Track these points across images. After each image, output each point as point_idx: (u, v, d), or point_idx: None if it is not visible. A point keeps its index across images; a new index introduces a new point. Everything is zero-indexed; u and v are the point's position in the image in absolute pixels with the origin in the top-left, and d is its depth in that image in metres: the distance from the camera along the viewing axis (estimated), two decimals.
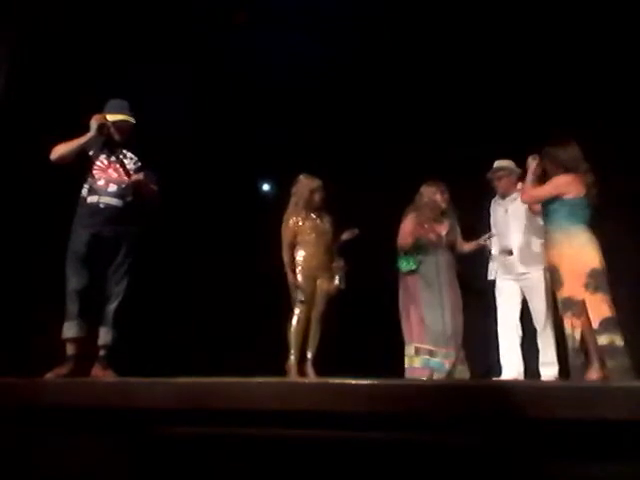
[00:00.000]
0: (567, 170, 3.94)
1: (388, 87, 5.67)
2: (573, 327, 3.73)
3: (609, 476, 2.01)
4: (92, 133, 3.89)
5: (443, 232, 4.69)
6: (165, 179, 4.23)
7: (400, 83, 5.62)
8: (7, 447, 2.56)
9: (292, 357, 4.52)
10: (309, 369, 4.56)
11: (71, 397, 2.66)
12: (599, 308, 3.70)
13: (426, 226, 4.65)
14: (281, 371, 4.48)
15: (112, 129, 3.97)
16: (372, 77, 5.67)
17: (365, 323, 5.43)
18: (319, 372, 4.54)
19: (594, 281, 3.73)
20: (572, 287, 3.76)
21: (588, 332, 3.69)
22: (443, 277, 4.57)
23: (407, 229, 4.68)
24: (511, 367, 4.41)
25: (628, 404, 2.02)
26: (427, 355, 4.45)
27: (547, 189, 3.96)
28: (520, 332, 4.48)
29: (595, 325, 3.68)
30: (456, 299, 4.60)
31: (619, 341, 3.66)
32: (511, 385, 3.02)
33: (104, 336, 3.89)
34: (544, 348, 4.35)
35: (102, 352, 3.89)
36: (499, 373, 4.48)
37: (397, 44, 5.46)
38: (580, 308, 3.72)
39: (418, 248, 4.62)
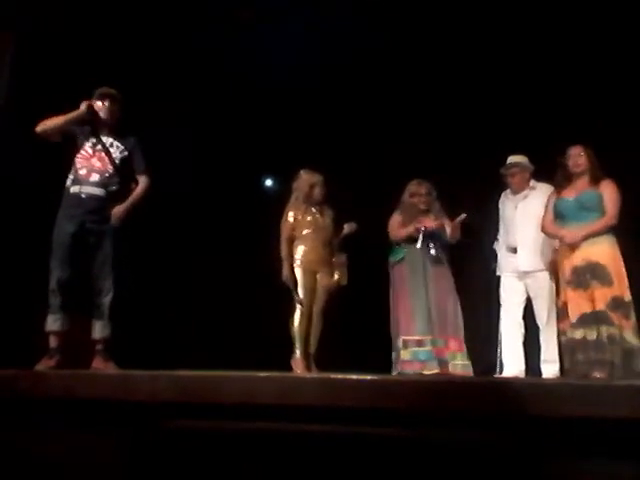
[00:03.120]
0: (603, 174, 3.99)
1: (389, 83, 5.67)
2: (621, 327, 3.72)
3: (611, 474, 2.00)
4: (79, 111, 3.88)
5: (428, 225, 4.67)
6: (167, 176, 4.22)
7: (400, 80, 5.62)
8: (7, 440, 2.57)
9: (298, 352, 4.50)
10: (310, 364, 4.54)
11: (72, 390, 2.66)
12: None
13: (410, 222, 4.68)
14: (285, 366, 4.46)
15: (97, 106, 3.94)
16: (374, 75, 5.67)
17: (366, 318, 5.42)
18: (320, 367, 4.52)
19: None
20: (621, 287, 3.79)
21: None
22: (429, 266, 4.57)
23: (395, 223, 4.75)
24: (513, 364, 4.41)
25: (630, 402, 2.01)
26: (415, 346, 4.43)
27: (619, 203, 3.95)
28: (523, 330, 4.48)
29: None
30: (446, 288, 4.58)
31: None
32: (512, 382, 3.01)
33: (102, 329, 3.88)
34: (546, 346, 4.35)
35: (101, 345, 3.89)
36: (501, 370, 4.48)
37: (397, 42, 5.46)
38: (628, 309, 3.75)
39: (406, 239, 4.65)
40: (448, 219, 4.72)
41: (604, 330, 3.71)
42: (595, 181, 4.00)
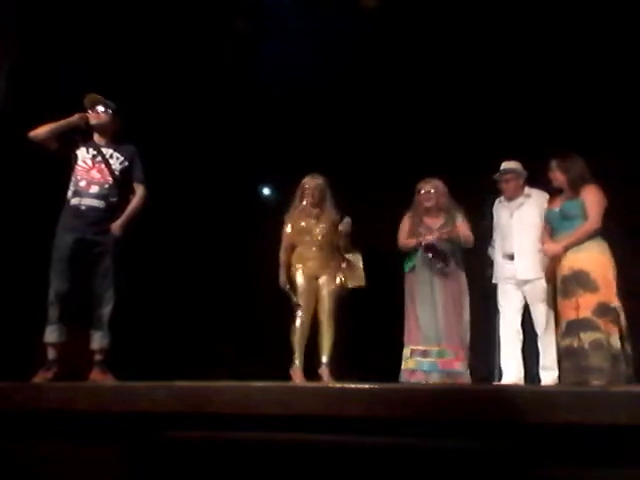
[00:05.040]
0: (590, 180, 3.97)
1: (391, 87, 5.68)
2: (609, 333, 3.70)
3: None
4: (71, 118, 3.90)
5: (435, 227, 4.62)
6: (164, 181, 4.21)
7: (402, 84, 5.64)
8: (5, 452, 2.56)
9: (297, 362, 4.39)
10: (324, 373, 4.39)
11: (70, 402, 2.66)
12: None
13: (418, 223, 4.65)
14: (286, 375, 4.38)
15: (90, 115, 3.96)
16: (375, 78, 5.69)
17: (376, 324, 5.35)
18: (335, 376, 4.37)
19: (618, 289, 3.79)
20: (607, 293, 3.76)
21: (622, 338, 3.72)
22: (437, 274, 4.52)
23: (403, 229, 4.71)
24: (511, 371, 4.39)
25: (628, 409, 2.02)
26: (420, 356, 4.40)
27: (601, 207, 3.91)
28: (521, 337, 4.47)
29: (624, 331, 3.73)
30: (454, 296, 4.53)
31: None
32: (511, 389, 3.01)
33: (101, 340, 3.87)
34: (544, 352, 4.35)
35: (99, 356, 3.87)
36: (500, 377, 4.47)
37: (398, 45, 5.49)
38: (615, 314, 3.73)
39: (414, 248, 4.60)
40: (464, 218, 4.65)
41: (586, 337, 3.70)
42: (575, 189, 4.00)
